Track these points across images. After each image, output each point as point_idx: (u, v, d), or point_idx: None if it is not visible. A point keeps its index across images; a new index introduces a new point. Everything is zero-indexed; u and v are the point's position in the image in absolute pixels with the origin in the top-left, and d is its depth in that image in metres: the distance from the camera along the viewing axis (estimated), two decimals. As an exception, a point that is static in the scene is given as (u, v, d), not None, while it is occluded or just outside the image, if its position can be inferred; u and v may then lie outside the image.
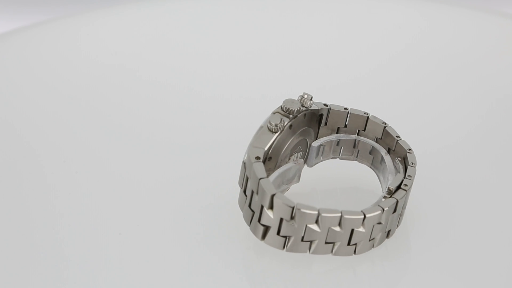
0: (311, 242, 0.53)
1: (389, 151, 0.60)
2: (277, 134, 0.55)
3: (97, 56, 0.81)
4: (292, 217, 0.52)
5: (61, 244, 0.56)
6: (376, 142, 0.61)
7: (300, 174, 0.58)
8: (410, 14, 0.90)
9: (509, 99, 0.73)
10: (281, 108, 0.57)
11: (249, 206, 0.54)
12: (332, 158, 0.62)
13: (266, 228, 0.53)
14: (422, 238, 0.57)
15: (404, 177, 0.56)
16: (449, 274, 0.54)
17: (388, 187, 0.55)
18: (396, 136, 0.60)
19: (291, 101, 0.57)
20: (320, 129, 0.61)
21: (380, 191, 0.59)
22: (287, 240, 0.53)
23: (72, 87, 0.76)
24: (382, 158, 0.60)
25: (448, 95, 0.74)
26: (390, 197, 0.55)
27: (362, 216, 0.52)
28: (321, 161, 0.61)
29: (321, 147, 0.60)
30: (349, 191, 0.62)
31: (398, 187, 0.55)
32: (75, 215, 0.59)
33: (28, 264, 0.54)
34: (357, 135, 0.61)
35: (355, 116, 0.61)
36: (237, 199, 0.56)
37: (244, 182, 0.55)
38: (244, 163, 0.55)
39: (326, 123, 0.61)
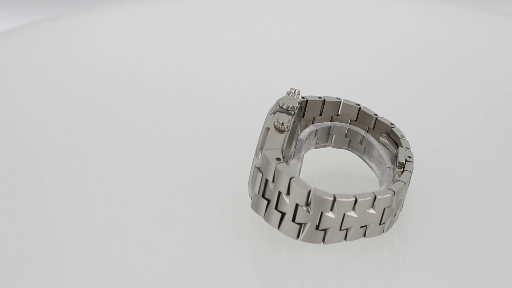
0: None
1: (368, 130, 0.61)
2: (286, 133, 0.55)
3: (97, 56, 0.81)
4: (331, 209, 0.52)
5: (61, 244, 0.56)
6: (351, 124, 0.62)
7: (300, 169, 0.59)
8: (410, 13, 0.90)
9: (509, 98, 0.73)
10: (280, 106, 0.57)
11: (276, 208, 0.53)
12: (316, 148, 0.63)
13: (301, 225, 0.53)
14: (420, 230, 0.58)
15: (397, 149, 0.58)
16: (444, 266, 0.55)
17: (399, 161, 0.57)
18: (374, 114, 0.61)
19: (288, 98, 0.57)
20: (301, 122, 0.61)
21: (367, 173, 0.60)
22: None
23: (72, 86, 0.76)
24: (363, 137, 0.61)
25: (449, 93, 0.76)
26: (403, 170, 0.56)
27: (390, 194, 0.53)
28: (304, 153, 0.62)
29: (306, 139, 0.60)
30: (341, 177, 0.64)
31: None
32: (75, 215, 0.59)
33: (28, 264, 0.54)
34: (331, 121, 0.62)
35: (330, 103, 0.61)
36: (249, 204, 0.56)
37: (262, 186, 0.54)
38: (258, 168, 0.54)
39: (303, 115, 0.61)
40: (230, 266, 0.56)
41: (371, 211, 0.53)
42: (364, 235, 0.55)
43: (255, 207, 0.55)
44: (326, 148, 0.63)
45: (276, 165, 0.52)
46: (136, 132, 0.69)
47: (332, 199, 0.52)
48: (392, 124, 0.61)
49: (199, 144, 0.68)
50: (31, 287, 0.53)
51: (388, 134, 0.61)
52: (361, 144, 0.62)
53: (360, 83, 0.78)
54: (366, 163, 0.63)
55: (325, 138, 0.62)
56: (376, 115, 0.61)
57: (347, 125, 0.62)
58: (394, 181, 0.57)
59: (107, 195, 0.61)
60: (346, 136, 0.62)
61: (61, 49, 0.82)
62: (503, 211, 0.59)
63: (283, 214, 0.53)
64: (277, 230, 0.54)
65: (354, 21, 0.89)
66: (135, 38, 0.84)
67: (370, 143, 0.62)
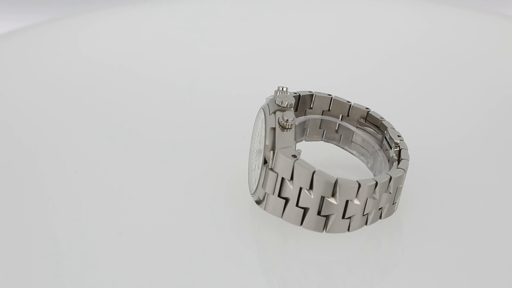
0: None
1: (342, 118, 0.61)
2: (293, 130, 0.54)
3: (96, 56, 0.81)
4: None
5: (60, 244, 0.56)
6: (323, 115, 0.62)
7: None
8: (409, 15, 0.91)
9: (507, 99, 0.76)
10: (278, 105, 0.56)
11: (297, 205, 0.53)
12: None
13: (327, 217, 0.53)
14: (414, 223, 0.59)
15: (384, 131, 0.59)
16: (440, 261, 0.55)
17: (395, 142, 0.58)
18: (347, 101, 0.61)
19: (284, 96, 0.56)
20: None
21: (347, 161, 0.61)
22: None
23: (71, 85, 0.76)
24: (339, 125, 0.61)
25: (448, 94, 0.76)
26: (399, 149, 0.57)
27: (402, 173, 0.54)
28: None
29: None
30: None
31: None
32: (75, 215, 0.58)
33: (27, 264, 0.54)
34: (305, 115, 0.62)
35: (303, 97, 0.61)
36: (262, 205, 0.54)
37: (278, 186, 0.53)
38: (271, 168, 0.53)
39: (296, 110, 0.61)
40: (235, 260, 0.55)
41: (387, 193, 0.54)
42: (380, 217, 0.55)
43: (271, 209, 0.54)
44: (301, 142, 0.62)
45: (294, 162, 0.52)
46: (136, 131, 0.69)
47: (357, 186, 0.52)
48: (367, 108, 0.61)
49: (197, 140, 0.68)
50: (30, 287, 0.52)
51: (365, 118, 0.61)
52: (337, 132, 0.62)
53: (360, 82, 0.78)
54: (346, 150, 0.62)
55: (301, 133, 0.62)
56: (349, 102, 0.61)
57: (320, 116, 0.61)
58: (391, 164, 0.58)
59: (107, 195, 0.61)
60: (320, 127, 0.62)
61: (61, 50, 0.83)
62: (498, 207, 0.60)
63: (306, 210, 0.53)
64: (298, 227, 0.53)
65: (353, 22, 0.90)
66: (134, 39, 0.85)
67: (348, 129, 0.62)
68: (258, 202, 0.55)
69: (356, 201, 0.52)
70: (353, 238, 0.56)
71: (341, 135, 0.62)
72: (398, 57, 0.84)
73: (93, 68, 0.79)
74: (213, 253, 0.55)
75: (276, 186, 0.53)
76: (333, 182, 0.51)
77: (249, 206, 0.59)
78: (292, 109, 0.56)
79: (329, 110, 0.62)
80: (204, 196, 0.60)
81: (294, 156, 0.52)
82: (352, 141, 0.62)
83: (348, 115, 0.62)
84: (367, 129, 0.61)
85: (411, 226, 0.58)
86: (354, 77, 0.79)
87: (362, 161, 0.62)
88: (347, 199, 0.52)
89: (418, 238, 0.57)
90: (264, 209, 0.54)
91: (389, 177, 0.54)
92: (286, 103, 0.55)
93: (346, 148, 0.62)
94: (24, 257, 0.55)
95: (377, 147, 0.60)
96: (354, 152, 0.62)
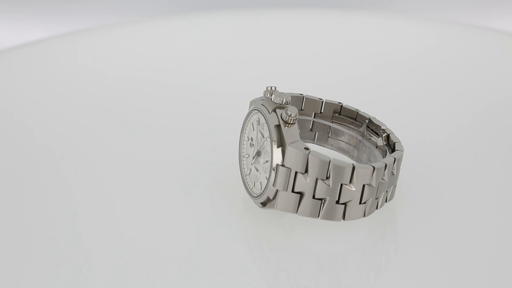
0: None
1: (316, 116, 0.62)
2: (296, 125, 0.54)
3: (99, 61, 0.84)
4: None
5: (60, 244, 0.55)
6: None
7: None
8: (404, 30, 0.93)
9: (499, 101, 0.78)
10: (275, 103, 0.55)
11: (314, 197, 0.53)
12: None
13: (345, 204, 0.53)
14: (410, 219, 0.59)
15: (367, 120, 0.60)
16: (434, 254, 0.56)
17: (382, 128, 0.59)
18: (319, 99, 0.61)
19: (280, 93, 0.55)
20: None
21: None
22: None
23: (71, 87, 0.79)
24: (313, 122, 0.62)
25: (443, 95, 0.79)
26: (387, 134, 0.58)
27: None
28: None
29: None
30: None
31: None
32: (75, 215, 0.58)
33: (27, 264, 0.53)
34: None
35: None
36: (277, 204, 0.54)
37: (291, 181, 0.53)
38: (282, 165, 0.53)
39: None
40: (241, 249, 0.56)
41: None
42: (386, 200, 0.56)
43: (284, 206, 0.53)
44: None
45: (308, 154, 0.52)
46: (136, 131, 0.71)
47: (372, 169, 0.52)
48: (339, 102, 0.62)
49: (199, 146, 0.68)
50: (30, 287, 0.52)
51: (339, 112, 0.62)
52: (312, 130, 0.62)
53: (357, 83, 0.80)
54: (325, 147, 0.62)
55: None
56: (321, 99, 0.61)
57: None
58: (383, 150, 0.58)
59: (107, 195, 0.61)
60: None
61: (62, 62, 0.85)
62: (493, 202, 0.61)
63: (322, 201, 0.53)
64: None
65: (351, 35, 0.92)
66: (146, 56, 0.88)
67: (324, 125, 0.62)
68: (265, 203, 0.55)
69: (372, 185, 0.53)
70: (348, 232, 0.56)
71: (315, 133, 0.62)
72: (389, 64, 0.86)
73: (97, 74, 0.82)
74: (213, 253, 0.55)
75: (290, 181, 0.52)
76: (351, 168, 0.52)
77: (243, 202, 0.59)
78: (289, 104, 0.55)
79: (301, 109, 0.61)
80: (202, 194, 0.60)
81: (307, 148, 0.52)
82: (329, 137, 0.62)
83: (321, 112, 0.62)
84: (344, 122, 0.62)
85: (407, 221, 0.58)
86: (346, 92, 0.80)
87: (344, 154, 0.62)
88: (364, 183, 0.52)
89: (415, 233, 0.57)
90: (276, 207, 0.53)
91: (393, 158, 0.54)
92: (284, 100, 0.54)
93: (324, 145, 0.62)
94: (24, 256, 0.54)
95: (360, 137, 0.61)
96: (333, 148, 0.62)
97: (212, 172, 0.63)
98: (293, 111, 0.53)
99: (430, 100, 0.78)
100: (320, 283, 0.52)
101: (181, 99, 0.77)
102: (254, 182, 0.56)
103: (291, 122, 0.54)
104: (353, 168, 0.52)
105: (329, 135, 0.62)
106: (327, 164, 0.52)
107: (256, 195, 0.56)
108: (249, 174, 0.57)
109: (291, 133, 0.53)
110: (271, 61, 0.85)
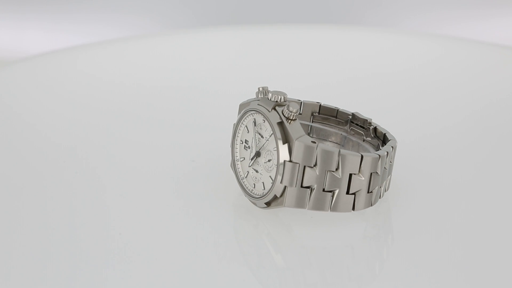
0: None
1: None
2: (297, 120, 0.54)
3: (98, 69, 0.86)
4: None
5: (60, 244, 0.55)
6: None
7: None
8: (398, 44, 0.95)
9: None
10: (275, 101, 0.54)
11: (324, 190, 0.52)
12: None
13: (355, 194, 0.53)
14: (405, 212, 0.59)
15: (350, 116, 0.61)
16: (430, 249, 0.55)
17: (368, 122, 0.60)
18: (298, 100, 0.62)
19: (276, 92, 0.55)
20: None
21: None
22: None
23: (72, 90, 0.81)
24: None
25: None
26: (374, 127, 0.59)
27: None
28: None
29: None
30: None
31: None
32: (75, 215, 0.58)
33: (27, 264, 0.53)
34: None
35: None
36: (285, 202, 0.53)
37: (300, 176, 0.53)
38: (290, 160, 0.53)
39: None
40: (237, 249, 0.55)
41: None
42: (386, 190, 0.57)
43: (293, 202, 0.53)
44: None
45: (317, 146, 0.52)
46: (136, 132, 0.71)
47: (378, 157, 0.53)
48: (318, 102, 0.62)
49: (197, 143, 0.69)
50: (30, 287, 0.51)
51: (318, 112, 0.62)
52: None
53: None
54: None
55: None
56: (300, 100, 0.62)
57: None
58: (372, 144, 0.59)
59: (107, 195, 0.60)
60: None
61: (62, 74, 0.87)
62: (489, 196, 0.62)
63: (332, 193, 0.53)
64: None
65: (348, 51, 0.93)
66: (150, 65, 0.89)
67: (304, 125, 0.62)
68: (269, 202, 0.54)
69: (378, 173, 0.54)
70: (344, 227, 0.56)
71: None
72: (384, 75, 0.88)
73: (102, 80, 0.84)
74: (212, 252, 0.54)
75: (298, 177, 0.52)
76: (359, 158, 0.52)
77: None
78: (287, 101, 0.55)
79: None
80: (201, 194, 0.60)
81: (314, 142, 0.52)
82: (312, 137, 0.62)
83: (300, 113, 0.62)
84: (325, 121, 0.62)
85: (402, 215, 0.58)
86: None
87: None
88: (371, 172, 0.53)
89: (411, 228, 0.57)
90: (284, 204, 0.53)
91: (391, 147, 0.56)
92: (282, 97, 0.54)
93: None
94: (24, 257, 0.54)
95: (344, 134, 0.61)
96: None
97: (211, 175, 0.62)
98: (295, 106, 0.53)
99: (428, 103, 0.80)
100: (328, 279, 0.52)
101: (183, 107, 0.78)
102: (254, 184, 0.56)
103: (293, 118, 0.54)
104: (362, 157, 0.52)
105: (311, 136, 0.62)
106: (336, 155, 0.52)
107: (258, 196, 0.55)
108: (246, 177, 0.56)
109: (295, 128, 0.53)
110: (279, 78, 0.86)
